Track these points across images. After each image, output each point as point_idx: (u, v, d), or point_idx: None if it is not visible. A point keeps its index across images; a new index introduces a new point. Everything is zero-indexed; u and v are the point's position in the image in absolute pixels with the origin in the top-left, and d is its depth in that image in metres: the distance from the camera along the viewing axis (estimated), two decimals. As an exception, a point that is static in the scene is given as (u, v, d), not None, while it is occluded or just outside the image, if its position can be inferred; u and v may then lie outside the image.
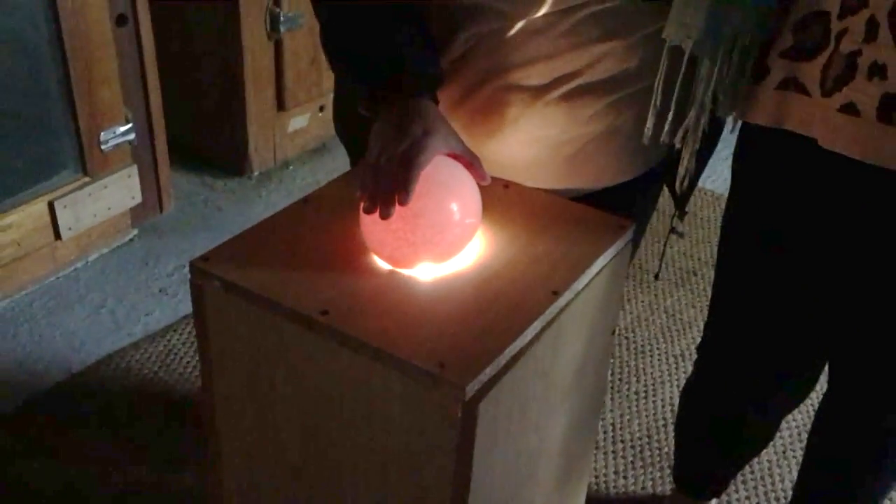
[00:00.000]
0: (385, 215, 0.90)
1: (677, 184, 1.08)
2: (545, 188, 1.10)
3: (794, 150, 0.99)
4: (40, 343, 1.89)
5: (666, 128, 0.98)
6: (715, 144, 1.12)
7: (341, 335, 0.85)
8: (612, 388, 1.88)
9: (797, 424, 1.80)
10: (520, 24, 1.01)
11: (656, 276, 1.28)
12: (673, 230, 1.25)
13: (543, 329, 0.90)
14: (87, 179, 2.04)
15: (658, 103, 0.98)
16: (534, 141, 1.08)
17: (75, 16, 1.87)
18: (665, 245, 1.54)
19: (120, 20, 2.00)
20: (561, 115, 1.06)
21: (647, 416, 1.83)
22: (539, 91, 1.05)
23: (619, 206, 1.07)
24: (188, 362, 1.86)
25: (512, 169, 1.10)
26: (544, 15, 1.00)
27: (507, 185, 1.09)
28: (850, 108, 0.91)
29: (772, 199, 1.08)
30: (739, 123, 1.04)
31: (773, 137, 1.00)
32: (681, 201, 1.16)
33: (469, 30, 1.03)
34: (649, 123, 1.00)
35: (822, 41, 0.92)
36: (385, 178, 0.91)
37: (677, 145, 1.00)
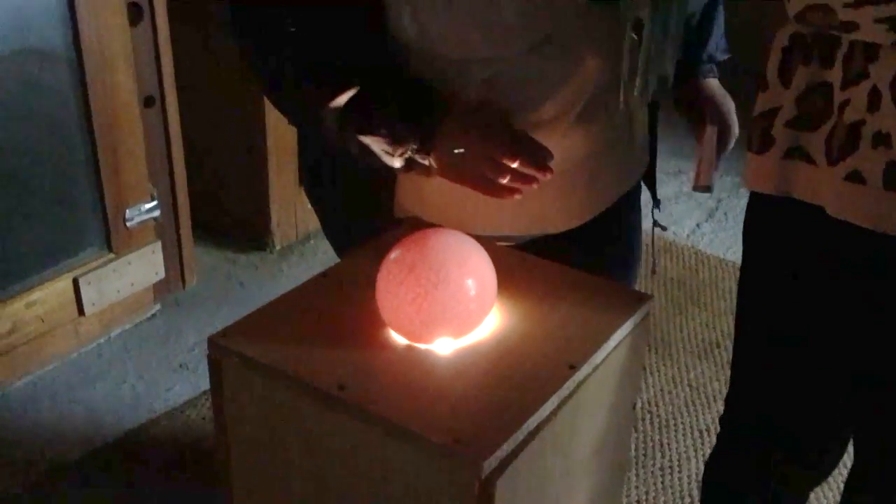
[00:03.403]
0: (544, 173, 1.00)
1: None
2: (567, 219, 1.19)
3: (804, 218, 1.00)
4: (62, 419, 1.89)
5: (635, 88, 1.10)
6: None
7: (358, 410, 0.85)
8: (636, 463, 1.85)
9: (828, 501, 1.75)
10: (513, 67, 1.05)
11: (653, 271, 1.34)
12: (656, 223, 1.36)
13: (561, 404, 0.89)
14: (111, 256, 2.07)
15: (625, 71, 1.08)
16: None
17: (105, 97, 1.93)
18: (653, 244, 1.47)
19: (148, 101, 2.06)
20: (578, 139, 1.12)
21: (672, 492, 1.78)
22: (553, 122, 1.09)
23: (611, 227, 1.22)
24: (208, 437, 1.85)
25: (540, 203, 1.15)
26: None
27: (523, 258, 1.09)
28: (855, 177, 0.92)
29: (784, 269, 1.08)
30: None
31: (781, 206, 1.00)
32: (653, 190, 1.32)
33: (473, 77, 1.06)
34: (622, 89, 1.10)
35: (825, 111, 0.93)
36: (520, 149, 0.99)
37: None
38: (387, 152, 1.04)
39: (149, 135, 2.07)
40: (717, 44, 1.26)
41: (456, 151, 1.02)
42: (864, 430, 1.16)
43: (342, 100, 1.03)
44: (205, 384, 1.99)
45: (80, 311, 2.04)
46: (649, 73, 1.11)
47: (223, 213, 2.55)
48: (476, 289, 0.93)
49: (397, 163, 1.06)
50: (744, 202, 1.12)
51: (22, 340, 1.94)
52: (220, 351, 0.93)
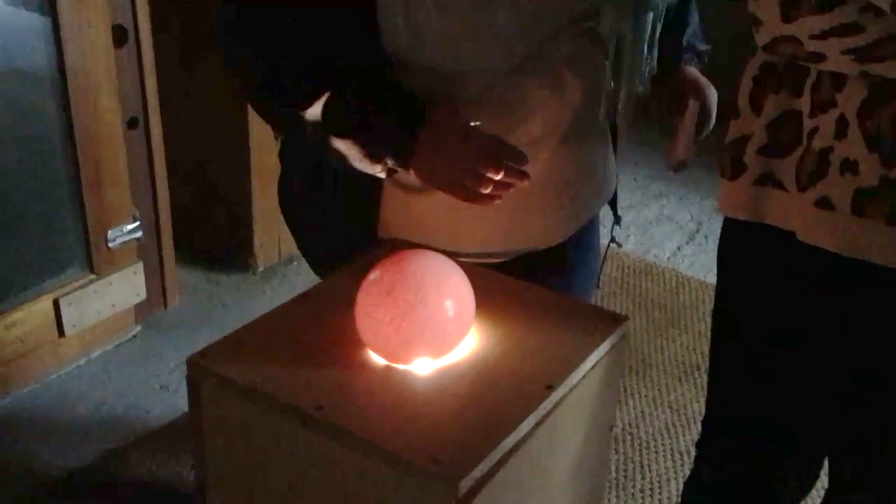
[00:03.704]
0: (523, 180, 1.01)
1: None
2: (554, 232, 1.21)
3: (776, 243, 1.01)
4: (40, 441, 1.88)
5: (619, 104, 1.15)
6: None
7: (335, 430, 0.85)
8: (616, 484, 1.85)
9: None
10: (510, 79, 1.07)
11: (597, 285, 1.39)
12: (613, 240, 1.40)
13: (538, 424, 0.90)
14: (92, 276, 2.06)
15: (609, 85, 1.12)
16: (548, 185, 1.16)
17: (88, 118, 1.94)
18: (607, 251, 1.47)
19: (132, 123, 2.07)
20: (563, 157, 1.15)
21: (652, 515, 1.79)
22: (541, 142, 1.11)
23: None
24: (187, 460, 1.84)
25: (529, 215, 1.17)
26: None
27: (501, 279, 1.10)
28: (825, 203, 0.94)
29: (757, 292, 1.09)
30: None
31: (754, 231, 1.02)
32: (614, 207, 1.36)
33: (464, 92, 1.08)
34: (603, 101, 1.14)
35: (795, 139, 0.96)
36: (500, 159, 1.00)
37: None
38: (365, 159, 1.05)
39: (132, 156, 2.07)
40: (694, 31, 1.29)
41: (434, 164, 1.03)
42: (840, 446, 1.17)
43: (321, 102, 1.03)
44: (185, 406, 1.96)
45: (61, 332, 2.03)
46: (630, 87, 1.13)
47: (206, 235, 2.55)
48: (454, 310, 0.94)
49: (378, 169, 1.06)
50: (724, 225, 1.13)
51: (1, 361, 1.93)
52: (198, 371, 0.94)
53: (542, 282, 1.12)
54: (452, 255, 1.03)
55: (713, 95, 1.23)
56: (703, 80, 1.24)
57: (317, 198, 1.21)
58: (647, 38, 1.12)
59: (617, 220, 1.38)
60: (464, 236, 1.16)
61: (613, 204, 1.35)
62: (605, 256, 1.41)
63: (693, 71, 1.25)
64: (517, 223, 1.17)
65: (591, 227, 1.30)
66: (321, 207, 1.22)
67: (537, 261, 1.21)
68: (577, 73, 1.10)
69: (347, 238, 1.20)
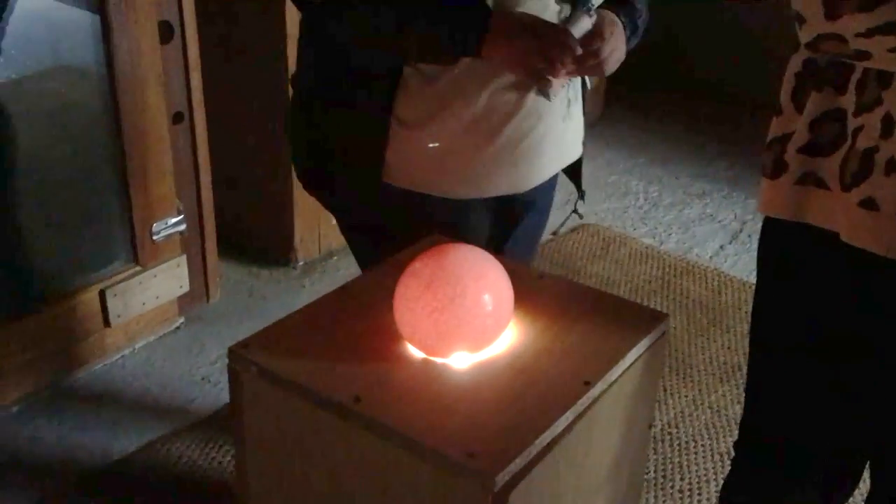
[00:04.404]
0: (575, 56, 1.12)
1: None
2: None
3: (818, 243, 0.99)
4: (84, 430, 1.91)
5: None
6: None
7: (372, 422, 0.86)
8: (655, 485, 1.83)
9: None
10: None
11: (554, 233, 1.47)
12: (575, 210, 1.50)
13: (575, 420, 0.90)
14: (137, 269, 2.10)
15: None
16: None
17: (135, 113, 1.97)
18: (569, 217, 1.59)
19: (177, 118, 2.10)
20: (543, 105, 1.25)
21: (691, 516, 1.77)
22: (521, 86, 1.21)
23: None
24: (228, 450, 1.87)
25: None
26: None
27: (540, 275, 1.10)
28: (869, 204, 0.92)
29: (798, 294, 1.07)
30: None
31: (795, 232, 1.00)
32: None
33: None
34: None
35: (838, 137, 0.94)
36: (568, 52, 1.11)
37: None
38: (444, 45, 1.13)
39: (176, 151, 2.11)
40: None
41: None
42: (882, 449, 1.15)
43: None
44: (226, 397, 2.00)
45: (106, 323, 2.07)
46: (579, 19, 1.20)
47: (248, 229, 2.58)
48: (493, 304, 0.94)
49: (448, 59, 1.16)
50: (767, 226, 1.12)
51: (49, 351, 1.97)
52: (239, 362, 0.95)
53: (505, 218, 1.35)
54: (443, 199, 1.23)
55: (613, 49, 1.20)
56: (618, 32, 1.22)
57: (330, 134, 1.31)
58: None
59: (581, 194, 1.48)
60: (456, 180, 1.27)
61: (578, 178, 1.45)
62: (563, 223, 1.53)
63: (614, 19, 1.23)
64: (506, 169, 1.27)
65: (550, 184, 1.42)
66: (333, 143, 1.31)
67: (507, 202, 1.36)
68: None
69: (356, 176, 1.29)
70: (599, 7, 1.21)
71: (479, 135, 1.24)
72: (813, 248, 1.02)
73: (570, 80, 1.24)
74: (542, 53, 1.11)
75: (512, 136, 1.25)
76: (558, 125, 1.31)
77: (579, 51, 1.13)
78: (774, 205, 1.00)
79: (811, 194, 0.97)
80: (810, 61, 0.97)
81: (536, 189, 1.35)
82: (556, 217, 1.57)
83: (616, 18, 1.22)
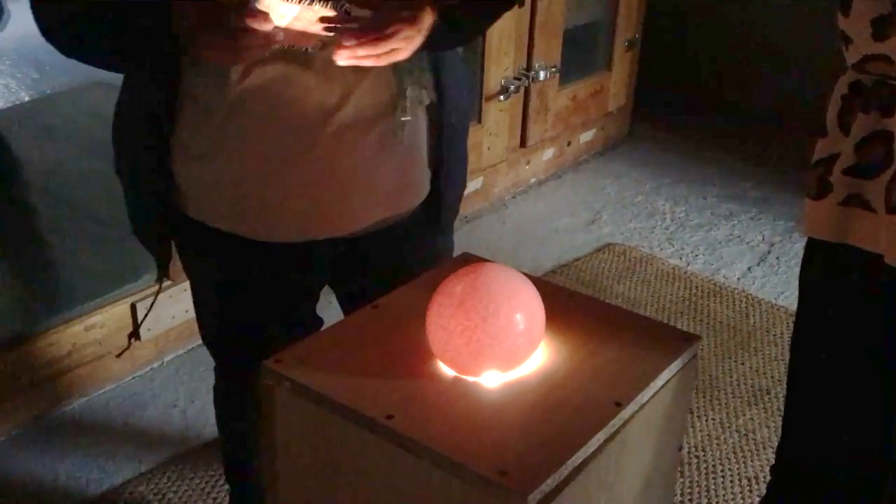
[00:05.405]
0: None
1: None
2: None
3: (862, 266, 0.99)
4: (113, 441, 1.93)
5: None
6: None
7: (405, 439, 0.86)
8: (681, 508, 1.82)
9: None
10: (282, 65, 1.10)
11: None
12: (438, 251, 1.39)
13: (607, 440, 0.90)
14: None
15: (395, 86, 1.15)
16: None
17: (168, 130, 2.00)
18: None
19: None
20: (348, 145, 1.16)
21: (718, 540, 1.75)
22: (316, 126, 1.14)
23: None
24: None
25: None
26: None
27: (571, 294, 1.10)
28: None
29: (841, 315, 1.07)
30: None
31: (839, 254, 1.00)
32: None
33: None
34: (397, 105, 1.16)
35: (885, 159, 0.93)
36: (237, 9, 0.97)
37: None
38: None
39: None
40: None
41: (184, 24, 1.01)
42: None
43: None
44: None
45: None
46: (411, 88, 1.17)
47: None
48: (525, 323, 0.95)
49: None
50: (797, 247, 1.12)
51: (79, 363, 2.00)
52: (272, 376, 0.96)
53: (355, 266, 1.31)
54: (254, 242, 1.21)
55: (394, 27, 1.04)
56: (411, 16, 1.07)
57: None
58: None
59: (437, 228, 1.35)
60: (256, 222, 1.21)
61: (437, 213, 1.32)
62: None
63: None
64: (306, 208, 1.19)
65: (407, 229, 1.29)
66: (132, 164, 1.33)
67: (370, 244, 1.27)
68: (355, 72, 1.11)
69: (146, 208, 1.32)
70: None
71: (266, 174, 1.17)
72: (857, 270, 1.01)
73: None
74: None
75: (305, 178, 1.16)
76: (371, 162, 1.19)
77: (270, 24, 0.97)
78: (818, 226, 1.00)
79: (856, 216, 0.97)
80: (857, 83, 0.97)
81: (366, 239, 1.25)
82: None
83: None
